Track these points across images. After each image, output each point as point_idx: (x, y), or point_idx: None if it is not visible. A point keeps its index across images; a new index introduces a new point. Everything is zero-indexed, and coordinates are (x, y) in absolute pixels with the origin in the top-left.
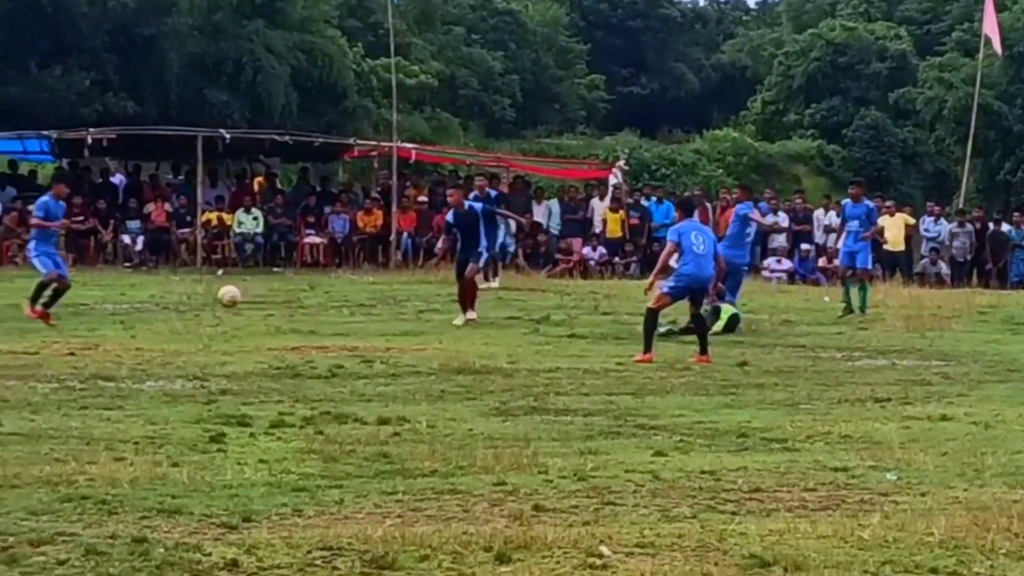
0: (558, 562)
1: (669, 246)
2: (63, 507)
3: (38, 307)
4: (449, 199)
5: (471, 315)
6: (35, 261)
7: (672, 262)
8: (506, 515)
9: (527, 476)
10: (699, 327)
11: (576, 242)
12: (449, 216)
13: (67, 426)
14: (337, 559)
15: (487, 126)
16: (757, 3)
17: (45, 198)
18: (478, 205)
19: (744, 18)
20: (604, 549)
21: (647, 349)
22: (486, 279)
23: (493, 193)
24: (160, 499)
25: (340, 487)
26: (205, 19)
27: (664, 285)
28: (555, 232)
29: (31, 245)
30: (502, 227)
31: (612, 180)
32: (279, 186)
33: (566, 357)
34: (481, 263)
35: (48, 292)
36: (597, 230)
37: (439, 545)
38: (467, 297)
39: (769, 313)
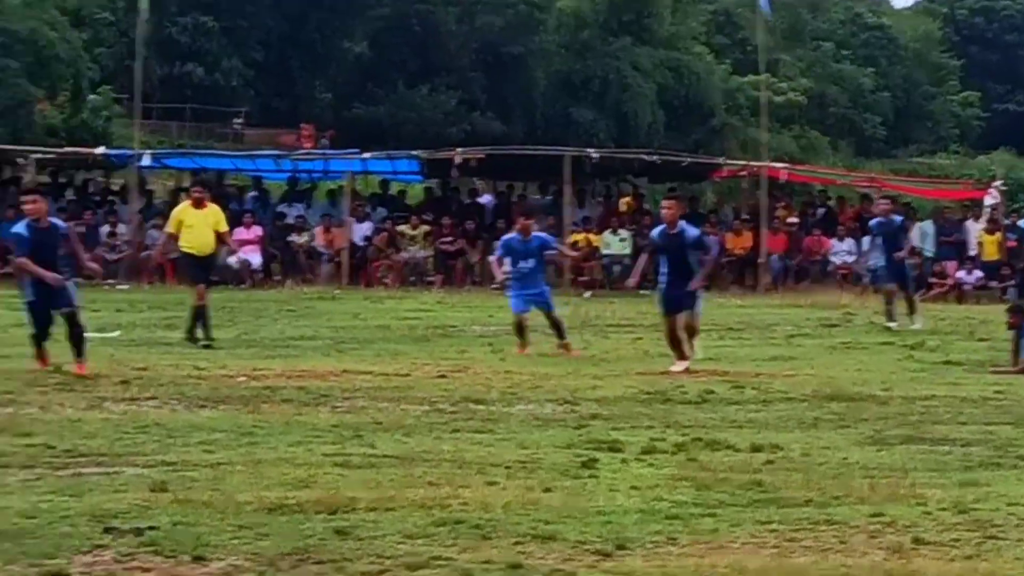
0: None
1: None
2: (437, 531)
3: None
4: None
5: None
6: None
7: None
8: (885, 547)
9: (905, 507)
10: None
11: (951, 265)
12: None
13: (439, 449)
14: None
15: (857, 144)
16: None
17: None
18: (694, 231)
19: None
20: None
21: None
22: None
23: (898, 219)
24: (533, 524)
25: (714, 515)
26: (572, 37)
27: None
28: (929, 255)
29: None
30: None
31: (988, 200)
32: (646, 207)
33: (942, 384)
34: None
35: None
36: (972, 253)
37: None
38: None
39: None
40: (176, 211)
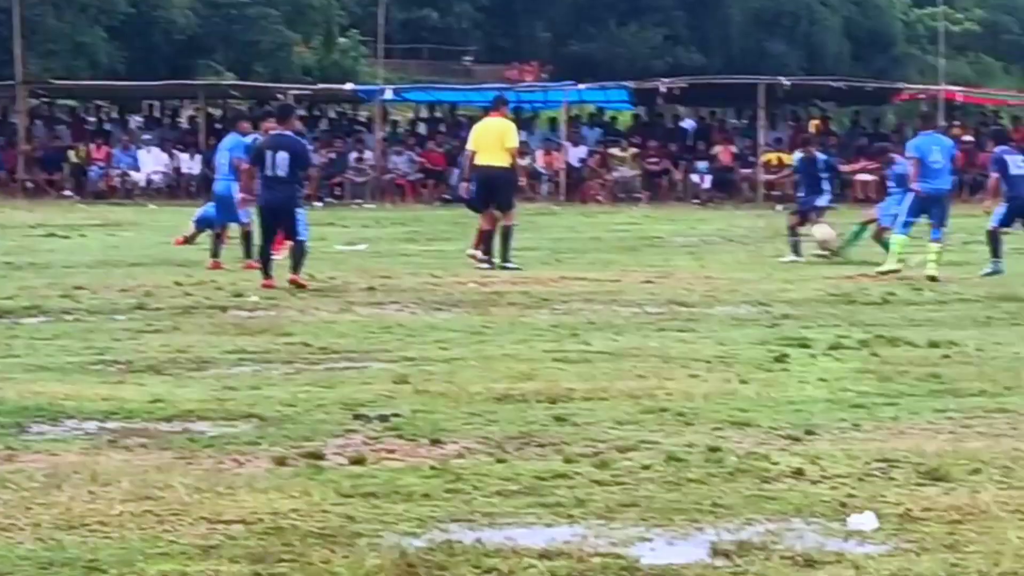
0: None
1: None
2: (645, 418)
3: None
4: None
5: None
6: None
7: None
8: None
9: None
10: None
11: None
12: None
13: (646, 346)
14: (893, 470)
15: None
16: None
17: (244, 139)
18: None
19: None
20: None
21: None
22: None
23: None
24: (731, 412)
25: (895, 404)
26: None
27: None
28: None
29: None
30: None
31: None
32: (833, 128)
33: None
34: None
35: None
36: None
37: (989, 460)
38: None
39: None
40: None
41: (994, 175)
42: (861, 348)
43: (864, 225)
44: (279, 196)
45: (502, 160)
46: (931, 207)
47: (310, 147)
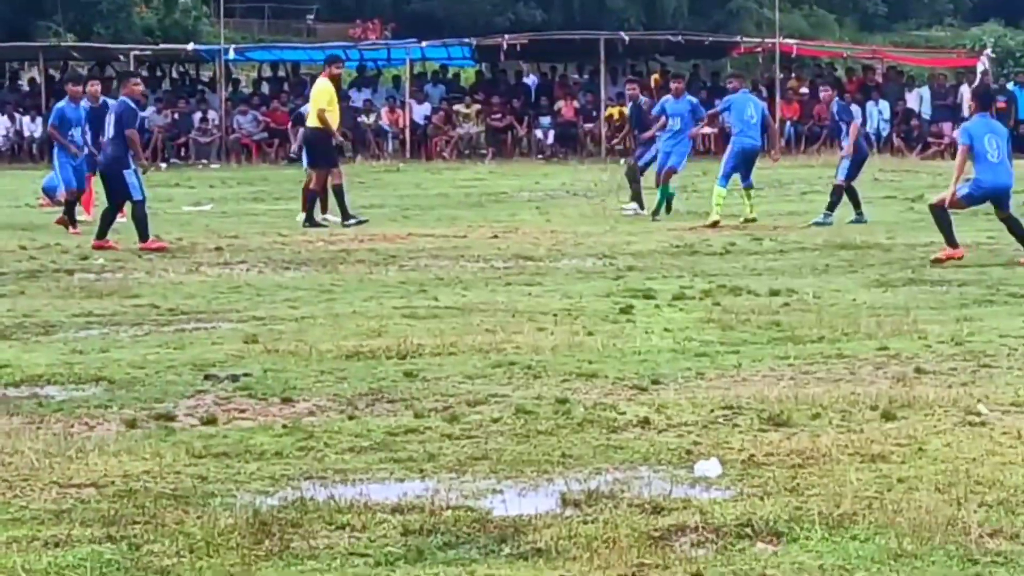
0: (939, 419)
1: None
2: (494, 372)
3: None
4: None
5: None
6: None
7: None
8: (890, 377)
9: (908, 341)
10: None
11: (946, 126)
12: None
13: (494, 300)
14: (737, 417)
15: (861, 21)
16: None
17: (60, 104)
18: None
19: None
20: (982, 407)
21: (952, 244)
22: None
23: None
24: (578, 364)
25: (737, 352)
26: None
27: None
28: (927, 117)
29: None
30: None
31: (979, 67)
32: None
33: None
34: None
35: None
36: (966, 114)
37: (829, 404)
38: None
39: None
40: None
41: (856, 122)
42: (704, 298)
43: (666, 185)
44: (107, 157)
45: (316, 121)
46: (745, 162)
47: (152, 108)
